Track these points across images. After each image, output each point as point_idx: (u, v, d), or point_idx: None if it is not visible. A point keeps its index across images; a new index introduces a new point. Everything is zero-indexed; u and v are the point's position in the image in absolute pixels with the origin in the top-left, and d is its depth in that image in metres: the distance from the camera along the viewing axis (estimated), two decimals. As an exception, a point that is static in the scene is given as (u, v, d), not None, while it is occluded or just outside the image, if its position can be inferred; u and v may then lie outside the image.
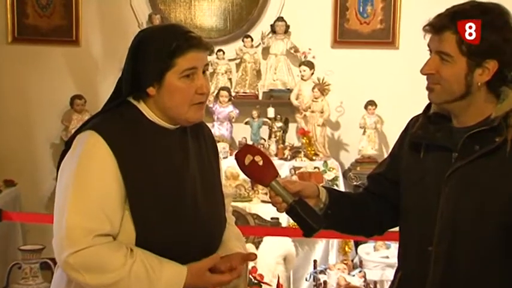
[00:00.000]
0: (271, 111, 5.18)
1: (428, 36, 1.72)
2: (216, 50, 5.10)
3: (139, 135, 1.75)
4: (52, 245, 1.69)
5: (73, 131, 1.83)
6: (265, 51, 5.36)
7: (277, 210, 1.77)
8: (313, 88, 5.03)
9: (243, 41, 5.31)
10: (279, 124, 5.17)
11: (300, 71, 5.18)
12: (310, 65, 5.13)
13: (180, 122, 1.79)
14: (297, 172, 4.79)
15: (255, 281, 3.50)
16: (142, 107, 1.77)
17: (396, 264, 1.93)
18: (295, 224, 1.77)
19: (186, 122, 1.79)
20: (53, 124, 5.25)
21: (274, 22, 5.27)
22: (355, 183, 4.90)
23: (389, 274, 3.86)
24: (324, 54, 5.25)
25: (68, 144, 1.78)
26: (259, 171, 1.74)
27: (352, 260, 4.35)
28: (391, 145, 2.00)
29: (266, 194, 4.20)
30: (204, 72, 1.77)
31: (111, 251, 1.65)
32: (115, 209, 1.68)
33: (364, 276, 3.91)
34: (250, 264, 3.51)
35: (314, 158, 4.98)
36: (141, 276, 1.65)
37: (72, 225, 1.64)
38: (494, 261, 1.68)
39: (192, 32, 1.76)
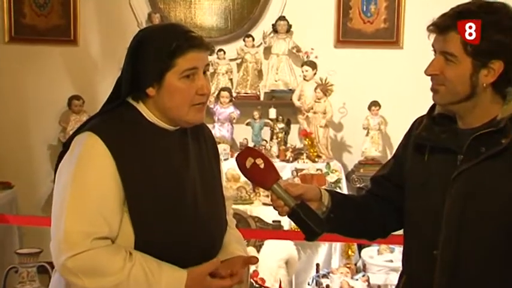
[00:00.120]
0: (272, 112, 5.15)
1: (433, 36, 1.70)
2: (216, 49, 5.05)
3: (139, 136, 1.74)
4: (50, 248, 1.68)
5: (71, 133, 1.82)
6: (267, 51, 5.33)
7: (279, 213, 1.76)
8: (316, 88, 5.00)
9: (244, 40, 5.28)
10: (281, 125, 5.14)
11: (302, 71, 5.14)
12: (313, 65, 5.10)
13: (180, 123, 1.77)
14: (299, 174, 4.77)
15: (257, 285, 3.49)
16: (141, 108, 1.76)
17: (400, 268, 1.92)
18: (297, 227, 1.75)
19: (186, 123, 1.77)
20: (50, 125, 5.22)
21: (276, 21, 5.24)
22: (358, 185, 4.88)
23: (394, 278, 3.81)
24: (326, 54, 5.22)
25: (65, 145, 1.76)
26: (261, 175, 1.73)
27: (356, 264, 4.33)
28: (395, 147, 1.99)
29: (268, 196, 4.20)
30: (204, 72, 1.76)
31: (110, 255, 1.64)
32: (114, 211, 1.67)
33: (368, 281, 3.89)
34: (252, 268, 3.50)
35: (316, 159, 4.95)
36: (140, 280, 1.64)
37: (70, 228, 1.63)
38: (502, 265, 1.66)
39: (193, 32, 1.74)
